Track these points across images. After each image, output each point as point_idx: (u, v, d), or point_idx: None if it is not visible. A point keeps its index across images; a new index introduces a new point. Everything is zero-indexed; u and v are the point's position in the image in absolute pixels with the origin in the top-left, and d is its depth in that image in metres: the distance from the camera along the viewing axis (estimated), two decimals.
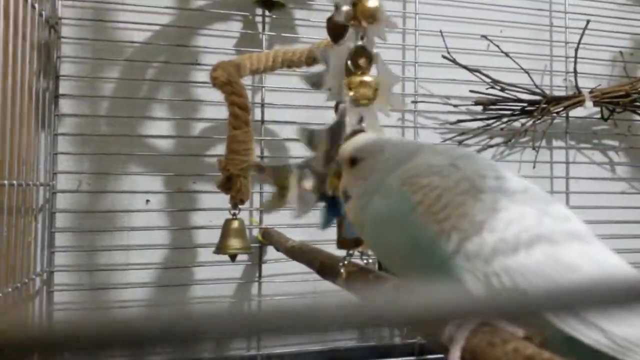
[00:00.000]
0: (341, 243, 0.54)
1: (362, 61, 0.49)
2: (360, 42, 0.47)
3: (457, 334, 0.29)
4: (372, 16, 0.45)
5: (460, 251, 0.30)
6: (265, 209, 0.94)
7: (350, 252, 0.53)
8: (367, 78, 0.47)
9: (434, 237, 0.31)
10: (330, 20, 0.56)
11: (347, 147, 0.41)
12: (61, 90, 0.94)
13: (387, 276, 0.45)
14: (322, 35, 1.02)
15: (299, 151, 1.04)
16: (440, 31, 1.07)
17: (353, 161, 0.40)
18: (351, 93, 0.47)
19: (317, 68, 0.95)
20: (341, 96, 0.47)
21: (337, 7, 0.47)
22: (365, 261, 0.52)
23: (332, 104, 1.03)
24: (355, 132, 0.46)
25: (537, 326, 0.29)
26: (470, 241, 0.30)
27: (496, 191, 0.32)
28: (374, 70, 0.52)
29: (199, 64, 1.00)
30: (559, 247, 0.30)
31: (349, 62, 0.50)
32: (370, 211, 0.36)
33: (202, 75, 0.99)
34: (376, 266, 0.54)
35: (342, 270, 0.51)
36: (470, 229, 0.30)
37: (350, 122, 0.48)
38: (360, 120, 0.48)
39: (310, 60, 0.88)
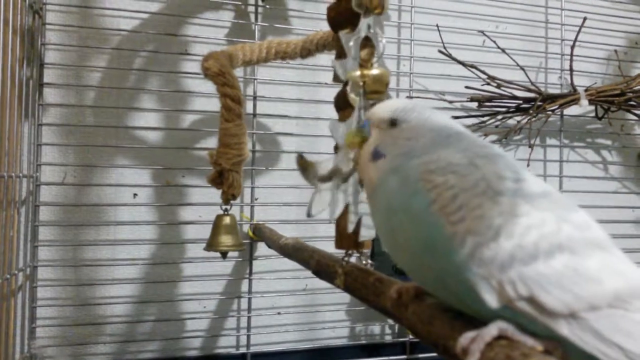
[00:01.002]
0: (340, 243, 0.52)
1: (364, 52, 0.47)
2: (365, 33, 0.44)
3: (473, 346, 0.27)
4: (382, 6, 0.43)
5: (475, 256, 0.28)
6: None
7: (350, 252, 0.51)
8: (377, 71, 0.45)
9: (447, 239, 0.29)
10: (331, 9, 0.54)
11: (386, 108, 0.38)
12: (45, 79, 0.90)
13: (389, 279, 0.43)
14: (317, 27, 1.01)
15: (291, 146, 1.02)
16: (437, 25, 1.05)
17: (393, 122, 0.37)
18: (362, 84, 0.45)
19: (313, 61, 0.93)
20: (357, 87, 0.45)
21: None
22: (364, 262, 0.50)
23: (326, 97, 1.01)
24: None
25: (557, 340, 0.28)
26: (486, 246, 0.28)
27: (515, 194, 0.30)
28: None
29: (188, 54, 0.97)
30: (579, 257, 0.29)
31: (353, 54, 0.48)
32: (385, 197, 0.34)
33: (192, 66, 0.96)
34: (369, 259, 0.53)
35: (340, 271, 0.49)
36: (486, 233, 0.28)
37: (361, 117, 0.45)
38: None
39: (305, 52, 0.85)
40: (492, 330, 0.28)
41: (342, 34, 0.47)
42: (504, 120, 1.10)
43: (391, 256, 0.35)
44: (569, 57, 1.10)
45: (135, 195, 0.94)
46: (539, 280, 0.28)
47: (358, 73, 0.46)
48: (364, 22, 0.44)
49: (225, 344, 0.99)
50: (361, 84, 0.45)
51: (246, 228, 0.98)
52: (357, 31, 0.45)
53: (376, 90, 0.45)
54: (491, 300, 0.28)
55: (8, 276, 0.78)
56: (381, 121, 0.38)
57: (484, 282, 0.28)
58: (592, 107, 1.15)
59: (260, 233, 0.91)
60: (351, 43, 0.45)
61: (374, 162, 0.37)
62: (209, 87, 0.83)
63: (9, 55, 0.76)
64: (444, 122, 0.37)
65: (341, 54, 0.52)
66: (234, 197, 0.80)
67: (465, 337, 0.28)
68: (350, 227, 0.45)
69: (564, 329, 0.27)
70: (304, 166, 0.46)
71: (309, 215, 0.45)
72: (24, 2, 0.83)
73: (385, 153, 0.36)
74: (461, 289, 0.29)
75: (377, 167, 0.36)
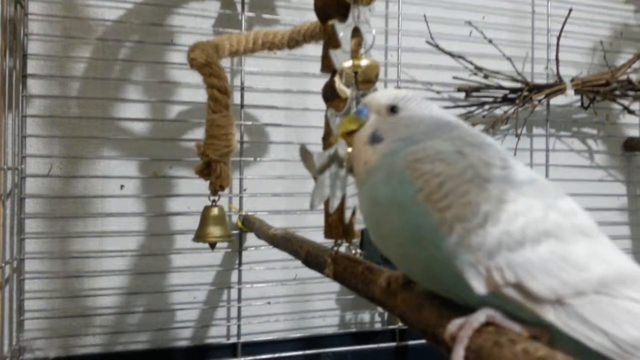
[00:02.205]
0: (329, 232, 0.52)
1: (352, 43, 0.47)
2: (355, 24, 0.44)
3: (461, 333, 0.28)
4: None
5: (462, 243, 0.29)
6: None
7: (339, 241, 0.51)
8: (367, 61, 0.45)
9: (435, 226, 0.29)
10: (318, 0, 0.54)
11: (387, 94, 0.39)
12: (29, 70, 0.89)
13: (378, 268, 0.43)
14: (303, 18, 1.00)
15: (278, 136, 1.02)
16: (424, 16, 1.05)
17: (394, 109, 0.38)
18: (354, 74, 0.45)
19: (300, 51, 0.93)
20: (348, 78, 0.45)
21: None
22: (354, 252, 0.50)
23: (314, 88, 1.01)
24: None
25: (544, 326, 0.28)
26: (473, 232, 0.28)
27: (502, 181, 0.30)
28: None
29: (174, 44, 0.96)
30: (566, 244, 0.29)
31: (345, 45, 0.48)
32: (371, 187, 0.34)
33: (178, 56, 0.95)
34: (358, 249, 0.53)
35: (329, 261, 0.50)
36: (474, 220, 0.29)
37: (352, 105, 0.46)
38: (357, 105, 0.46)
39: (292, 42, 0.85)
40: (479, 317, 0.28)
41: (338, 24, 0.47)
42: (491, 110, 1.10)
43: (378, 247, 0.35)
44: (555, 48, 1.11)
45: (122, 186, 0.94)
46: (525, 266, 0.28)
47: (350, 64, 0.46)
48: (354, 12, 0.44)
49: (216, 334, 0.99)
50: (353, 74, 0.45)
51: (235, 219, 0.98)
52: (348, 21, 0.45)
53: (367, 80, 0.45)
54: (479, 287, 0.28)
55: None
56: (381, 107, 0.38)
57: (472, 268, 0.28)
58: (578, 97, 1.17)
59: (249, 224, 0.91)
60: (342, 32, 0.45)
61: (372, 145, 0.37)
62: (195, 77, 0.82)
63: None
64: (440, 113, 0.38)
65: (330, 45, 0.52)
66: (222, 188, 0.80)
67: (454, 324, 0.29)
68: (347, 217, 0.45)
69: (550, 314, 0.28)
70: (306, 157, 0.46)
71: (312, 207, 0.46)
72: None
73: (384, 137, 0.37)
74: (449, 276, 0.29)
75: (374, 149, 0.37)
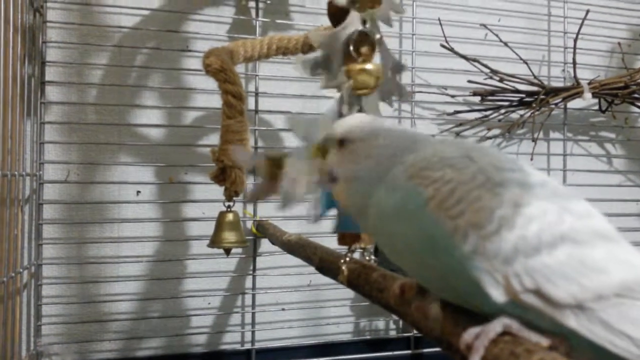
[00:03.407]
0: (342, 239, 0.51)
1: (364, 48, 0.47)
2: (362, 28, 0.44)
3: (477, 342, 0.27)
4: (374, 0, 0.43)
5: (478, 250, 0.28)
6: (249, 198, 0.91)
7: (352, 248, 0.51)
8: (368, 66, 0.45)
9: (448, 234, 0.29)
10: (331, 4, 0.53)
11: (337, 127, 0.38)
12: (47, 77, 0.90)
13: (392, 275, 0.43)
14: (318, 22, 1.00)
15: (293, 142, 1.02)
16: (439, 19, 1.05)
17: (342, 142, 0.37)
18: (350, 81, 0.45)
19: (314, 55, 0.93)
20: (339, 84, 0.45)
21: None
22: (367, 258, 0.50)
23: (328, 93, 1.01)
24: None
25: (562, 335, 0.27)
26: (488, 239, 0.28)
27: (514, 185, 0.29)
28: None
29: (189, 51, 0.97)
30: (583, 247, 0.28)
31: (350, 49, 0.48)
32: (377, 204, 0.34)
33: (194, 62, 0.96)
34: (373, 256, 0.52)
35: (343, 268, 0.49)
36: (488, 226, 0.28)
37: (347, 112, 0.45)
38: (360, 110, 0.46)
39: (307, 47, 0.85)
40: (496, 326, 0.28)
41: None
42: (507, 114, 1.09)
43: (393, 261, 0.34)
44: (572, 50, 1.09)
45: (138, 192, 0.94)
46: (543, 271, 0.27)
47: (344, 69, 0.45)
48: (352, 17, 0.44)
49: (230, 340, 0.99)
50: (347, 79, 0.45)
51: (250, 224, 0.98)
52: (343, 26, 0.45)
53: (364, 86, 0.45)
54: (497, 295, 0.27)
55: (13, 274, 0.78)
56: (331, 142, 0.38)
57: (489, 276, 0.28)
58: (596, 100, 1.15)
59: (263, 229, 0.91)
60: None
61: (332, 184, 0.37)
62: (210, 83, 0.83)
63: (10, 53, 0.76)
64: (400, 130, 0.37)
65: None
66: (237, 194, 0.80)
67: (469, 334, 0.28)
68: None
69: (571, 320, 0.27)
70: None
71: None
72: (24, 0, 0.82)
73: (338, 175, 0.37)
74: (465, 285, 0.29)
75: (338, 189, 0.37)
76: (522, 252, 0.27)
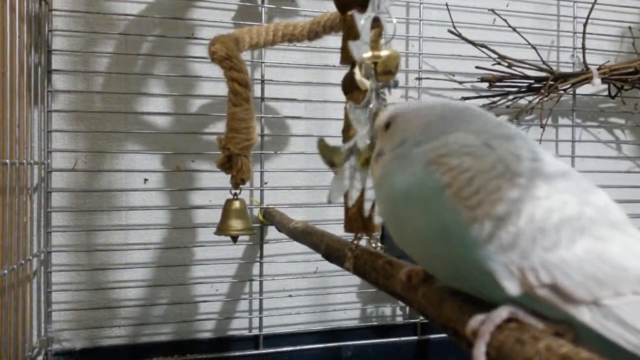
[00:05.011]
0: (349, 226, 0.52)
1: (372, 33, 0.47)
2: (374, 14, 0.44)
3: (482, 328, 0.27)
4: None
5: (494, 241, 0.27)
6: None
7: (359, 235, 0.51)
8: (387, 52, 0.45)
9: (464, 224, 0.28)
10: None
11: (383, 114, 0.39)
12: (54, 65, 0.90)
13: (398, 262, 0.43)
14: (324, 8, 0.99)
15: (299, 129, 1.02)
16: (446, 4, 1.04)
17: (387, 125, 0.38)
18: (375, 66, 0.45)
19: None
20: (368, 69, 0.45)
21: None
22: (374, 245, 0.50)
23: (334, 80, 1.01)
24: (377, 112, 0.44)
25: (569, 323, 0.27)
26: (506, 231, 0.27)
27: (534, 175, 0.29)
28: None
29: (195, 38, 0.96)
30: (602, 242, 0.28)
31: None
32: (391, 185, 0.33)
33: (199, 50, 0.95)
34: (379, 243, 0.52)
35: (350, 255, 0.50)
36: (506, 218, 0.27)
37: (372, 97, 0.45)
38: (383, 96, 0.46)
39: (312, 34, 0.84)
40: (502, 312, 0.28)
41: (357, 14, 0.46)
42: (515, 100, 1.08)
43: (400, 247, 0.34)
44: (581, 35, 1.08)
45: (145, 180, 0.95)
46: (561, 266, 0.27)
47: (369, 54, 0.45)
48: (374, 2, 0.44)
49: (238, 326, 1.00)
50: (373, 65, 0.45)
51: (256, 212, 0.98)
52: (367, 11, 0.45)
53: (387, 71, 0.45)
54: (512, 288, 0.27)
55: (23, 262, 0.79)
56: (380, 128, 0.39)
57: (504, 269, 0.27)
58: (605, 86, 1.14)
59: (270, 217, 0.92)
60: (362, 22, 0.45)
61: (377, 160, 0.37)
62: (216, 71, 0.83)
63: (17, 42, 0.76)
64: (443, 107, 0.36)
65: (349, 36, 0.51)
66: (243, 182, 0.80)
67: (476, 320, 0.28)
68: (366, 210, 0.45)
69: (586, 316, 0.27)
70: (324, 151, 0.46)
71: (329, 201, 0.45)
72: None
73: (385, 151, 0.37)
74: (477, 276, 0.28)
75: (378, 163, 0.37)
76: (540, 245, 0.27)
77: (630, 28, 1.15)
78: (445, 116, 0.35)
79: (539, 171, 0.29)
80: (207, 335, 0.98)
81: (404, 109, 0.38)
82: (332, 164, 0.46)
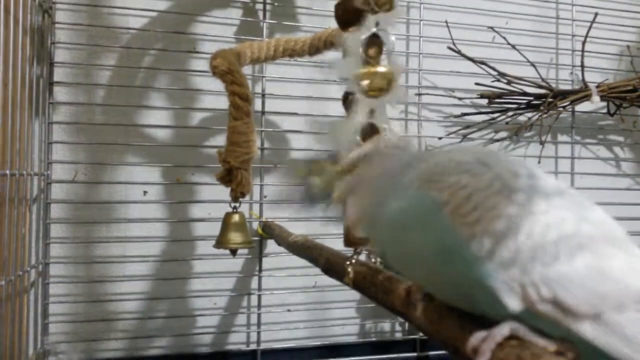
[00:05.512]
0: (349, 241, 0.52)
1: (372, 51, 0.47)
2: (373, 31, 0.44)
3: (483, 346, 0.27)
4: (390, 3, 0.43)
5: (494, 258, 0.27)
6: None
7: (358, 250, 0.51)
8: (381, 69, 0.45)
9: (463, 242, 0.28)
10: (339, 7, 0.53)
11: (358, 148, 0.39)
12: (55, 78, 0.91)
13: (398, 277, 0.43)
14: (325, 24, 1.00)
15: (300, 142, 1.02)
16: (446, 21, 1.05)
17: (364, 157, 0.38)
18: (365, 83, 0.45)
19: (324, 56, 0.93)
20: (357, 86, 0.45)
21: None
22: (373, 261, 0.50)
23: (335, 95, 1.01)
24: (372, 127, 0.44)
25: (570, 341, 0.27)
26: (506, 247, 0.27)
27: (531, 192, 0.29)
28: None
29: (197, 52, 0.97)
30: (601, 257, 0.28)
31: (360, 50, 0.48)
32: (386, 211, 0.34)
33: (201, 64, 0.96)
34: (379, 258, 0.52)
35: (349, 270, 0.49)
36: (505, 234, 0.28)
37: (361, 115, 0.45)
38: (372, 112, 0.46)
39: (313, 49, 0.85)
40: (503, 330, 0.27)
41: (344, 33, 0.47)
42: (514, 117, 1.09)
43: (401, 271, 0.34)
44: (580, 53, 1.09)
45: (145, 192, 0.95)
46: (562, 281, 0.27)
47: (360, 71, 0.46)
48: (370, 20, 0.44)
49: (236, 340, 0.99)
50: (365, 82, 0.45)
51: (256, 225, 0.98)
52: (361, 28, 0.45)
53: (379, 88, 0.45)
54: (514, 305, 0.27)
55: (20, 273, 0.78)
56: (352, 162, 0.39)
57: (505, 286, 0.27)
58: (604, 104, 1.14)
59: (269, 230, 0.92)
60: (350, 41, 0.45)
61: (353, 196, 0.38)
62: (217, 85, 0.83)
63: (19, 54, 0.76)
64: (416, 146, 0.38)
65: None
66: (243, 195, 0.80)
67: (476, 337, 0.28)
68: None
69: (588, 331, 0.26)
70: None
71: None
72: (33, 1, 0.83)
73: (356, 189, 0.37)
74: (479, 294, 0.28)
75: (352, 203, 0.37)
76: (540, 261, 0.27)
77: (628, 47, 1.16)
78: (421, 151, 0.36)
79: (536, 188, 0.30)
80: (204, 349, 0.97)
81: (379, 146, 0.38)
82: (308, 177, 0.46)
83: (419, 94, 1.07)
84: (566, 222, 0.28)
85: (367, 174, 0.37)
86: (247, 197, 0.87)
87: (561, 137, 1.16)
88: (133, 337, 0.94)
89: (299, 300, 1.02)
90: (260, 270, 0.99)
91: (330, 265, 0.55)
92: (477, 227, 0.28)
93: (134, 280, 0.93)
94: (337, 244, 0.59)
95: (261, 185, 0.99)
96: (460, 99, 1.09)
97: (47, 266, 0.89)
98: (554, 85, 1.10)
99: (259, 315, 0.99)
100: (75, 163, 0.92)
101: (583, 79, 1.08)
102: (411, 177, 0.33)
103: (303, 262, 0.70)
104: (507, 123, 1.09)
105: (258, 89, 1.00)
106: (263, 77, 1.00)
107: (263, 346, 0.99)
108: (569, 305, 0.27)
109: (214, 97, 0.97)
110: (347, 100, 0.53)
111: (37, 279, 0.88)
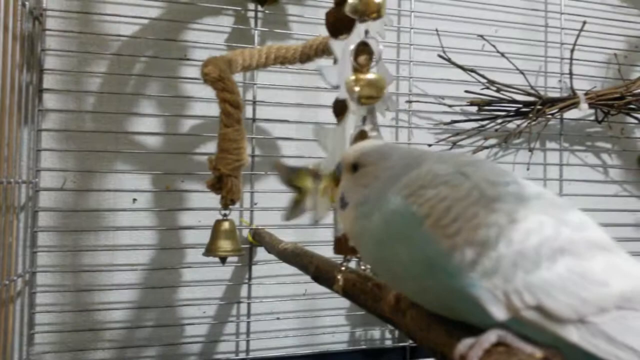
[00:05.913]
0: (339, 248, 0.51)
1: (362, 58, 0.47)
2: (362, 39, 0.44)
3: (471, 353, 0.27)
4: (378, 11, 0.43)
5: (476, 268, 0.28)
6: (286, 217, 0.92)
7: (348, 257, 0.51)
8: (372, 76, 0.45)
9: (446, 253, 0.28)
10: (329, 15, 0.54)
11: (351, 152, 0.39)
12: (45, 85, 0.90)
13: (387, 285, 0.43)
14: (316, 32, 1.01)
15: (290, 150, 1.02)
16: (436, 30, 1.05)
17: (355, 167, 0.38)
18: (357, 89, 0.45)
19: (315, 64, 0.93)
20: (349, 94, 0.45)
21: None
22: (363, 268, 0.50)
23: (325, 102, 1.01)
24: (362, 133, 0.44)
25: (556, 347, 0.27)
26: (487, 256, 0.27)
27: (509, 199, 0.29)
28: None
29: (188, 59, 0.97)
30: (582, 260, 0.28)
31: (350, 58, 0.48)
32: (372, 227, 0.34)
33: (192, 71, 0.96)
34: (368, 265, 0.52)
35: (339, 277, 0.49)
36: (486, 243, 0.28)
37: (353, 122, 0.46)
38: (364, 120, 0.46)
39: (305, 57, 0.86)
40: (490, 337, 0.27)
41: (332, 41, 0.47)
42: (503, 124, 1.09)
43: (391, 286, 0.34)
44: (568, 61, 1.10)
45: (134, 200, 0.94)
46: (544, 287, 0.27)
47: (352, 78, 0.46)
48: (359, 27, 0.44)
49: (225, 349, 0.98)
50: (356, 89, 0.45)
51: (246, 233, 0.98)
52: (350, 37, 0.45)
53: (370, 96, 0.45)
54: (498, 313, 0.27)
55: (7, 282, 0.77)
56: (346, 166, 0.39)
57: (489, 294, 0.27)
58: (592, 111, 1.15)
59: (259, 238, 0.91)
60: (337, 49, 0.45)
61: (342, 210, 0.37)
62: (208, 92, 0.83)
63: (9, 60, 0.76)
64: (408, 151, 0.37)
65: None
66: (233, 202, 0.80)
67: (464, 344, 0.28)
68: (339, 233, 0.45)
69: (574, 335, 0.27)
70: (281, 171, 0.46)
71: (287, 219, 0.46)
72: (24, 8, 0.83)
73: (348, 201, 0.37)
74: (465, 304, 0.28)
75: (345, 215, 0.37)
76: (522, 268, 0.27)
77: (616, 55, 1.17)
78: (410, 158, 0.35)
79: (513, 194, 0.30)
80: (193, 358, 0.96)
81: (369, 153, 0.37)
82: (290, 185, 0.46)
83: (410, 101, 1.07)
84: (545, 227, 0.28)
85: (362, 185, 0.36)
86: (237, 205, 0.87)
87: (550, 144, 1.17)
88: (121, 347, 0.93)
89: (289, 308, 1.01)
90: (250, 278, 0.99)
91: (320, 272, 0.55)
92: (458, 238, 0.28)
93: (122, 289, 0.93)
94: (327, 252, 0.59)
95: (252, 193, 0.99)
96: (450, 106, 1.09)
97: (34, 275, 0.88)
98: (542, 93, 1.11)
99: (248, 323, 0.98)
100: (64, 171, 0.91)
101: (571, 87, 1.09)
102: (393, 190, 0.33)
103: (293, 269, 0.70)
104: (496, 130, 1.09)
105: (249, 96, 1.00)
106: (254, 84, 1.00)
107: (252, 355, 0.98)
108: (553, 311, 0.27)
109: (204, 104, 0.96)
110: (338, 107, 0.53)
111: (23, 288, 0.87)
